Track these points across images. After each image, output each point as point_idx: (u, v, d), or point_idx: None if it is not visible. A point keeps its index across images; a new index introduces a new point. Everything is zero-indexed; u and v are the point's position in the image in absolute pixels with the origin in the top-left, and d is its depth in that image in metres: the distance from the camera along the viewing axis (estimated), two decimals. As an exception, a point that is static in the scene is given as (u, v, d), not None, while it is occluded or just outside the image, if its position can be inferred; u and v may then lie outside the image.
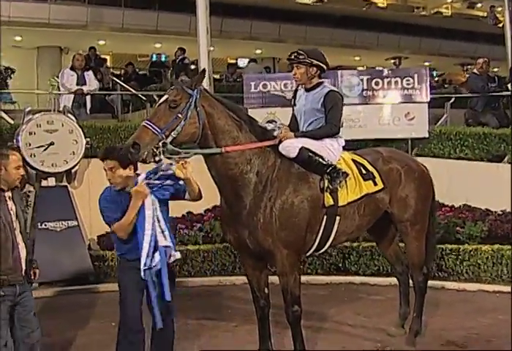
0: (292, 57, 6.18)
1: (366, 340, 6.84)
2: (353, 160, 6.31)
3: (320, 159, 5.93)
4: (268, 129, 6.22)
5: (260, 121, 11.14)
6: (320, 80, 6.25)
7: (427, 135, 11.34)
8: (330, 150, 6.07)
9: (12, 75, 19.36)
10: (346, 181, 5.99)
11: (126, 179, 5.45)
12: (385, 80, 11.54)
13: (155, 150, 5.26)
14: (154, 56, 24.18)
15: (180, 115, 5.42)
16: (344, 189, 6.00)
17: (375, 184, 6.27)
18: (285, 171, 5.85)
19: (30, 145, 9.69)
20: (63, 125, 9.94)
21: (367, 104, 11.63)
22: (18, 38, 23.80)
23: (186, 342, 6.81)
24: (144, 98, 14.70)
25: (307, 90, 6.26)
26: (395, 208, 6.53)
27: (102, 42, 24.21)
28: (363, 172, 6.23)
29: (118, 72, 22.04)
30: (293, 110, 6.51)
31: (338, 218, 6.00)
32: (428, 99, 11.51)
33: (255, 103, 11.91)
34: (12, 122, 11.34)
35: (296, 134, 6.03)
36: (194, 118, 5.48)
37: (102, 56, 21.69)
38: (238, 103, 12.69)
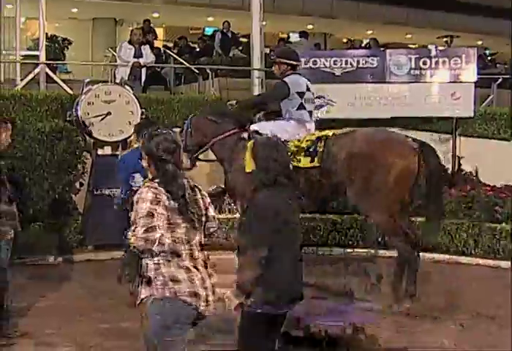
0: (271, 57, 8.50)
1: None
2: (318, 137, 7.54)
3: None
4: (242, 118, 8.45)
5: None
6: (289, 73, 7.90)
7: (472, 114, 11.48)
8: (285, 130, 7.58)
9: (68, 46, 19.80)
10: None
11: None
12: (433, 60, 11.69)
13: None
14: (208, 30, 24.38)
15: (182, 138, 7.87)
16: None
17: (311, 161, 7.37)
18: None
19: (88, 114, 10.07)
20: (120, 96, 10.28)
21: (414, 82, 11.84)
22: (75, 10, 24.16)
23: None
24: (197, 71, 15.05)
25: None
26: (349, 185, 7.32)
27: (155, 15, 24.45)
28: (311, 149, 7.29)
29: (171, 45, 22.36)
30: None
31: None
32: (475, 79, 11.64)
33: (305, 79, 12.15)
34: (71, 92, 11.77)
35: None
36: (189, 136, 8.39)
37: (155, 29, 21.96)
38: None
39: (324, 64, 12.03)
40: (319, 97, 11.87)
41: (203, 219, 4.21)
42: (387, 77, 11.88)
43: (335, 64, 11.99)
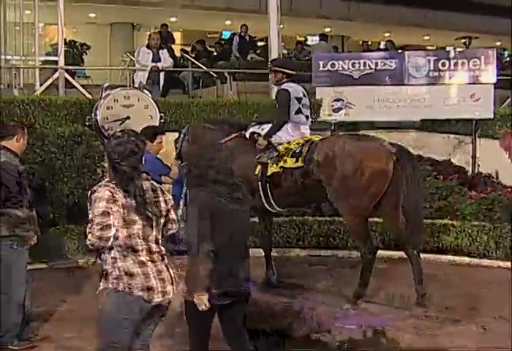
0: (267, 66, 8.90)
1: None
2: (306, 141, 7.86)
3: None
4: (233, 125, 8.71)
5: (327, 99, 11.67)
6: (285, 81, 8.17)
7: (492, 116, 11.42)
8: (281, 132, 8.03)
9: (87, 51, 19.90)
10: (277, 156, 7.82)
11: None
12: (452, 61, 11.66)
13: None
14: (226, 33, 24.40)
15: (177, 146, 8.76)
16: (272, 163, 7.83)
17: (296, 162, 7.67)
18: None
19: (107, 119, 10.09)
20: (139, 100, 10.30)
21: (433, 84, 11.80)
22: (92, 15, 24.26)
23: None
24: (215, 75, 15.07)
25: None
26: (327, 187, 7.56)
27: (173, 19, 24.52)
28: (297, 151, 7.74)
29: (189, 49, 22.39)
30: None
31: (267, 184, 7.87)
32: (495, 81, 11.58)
33: (323, 82, 12.16)
34: (90, 97, 11.81)
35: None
36: (185, 143, 8.60)
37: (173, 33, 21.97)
38: (307, 82, 13.13)
39: (342, 67, 12.03)
40: (337, 100, 11.90)
41: (162, 219, 4.45)
42: (405, 80, 11.86)
43: (353, 67, 11.99)
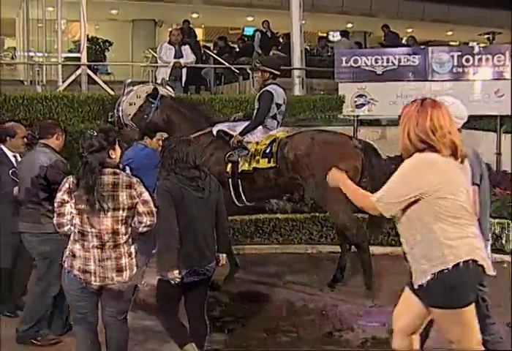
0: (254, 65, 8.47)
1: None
2: (272, 139, 7.92)
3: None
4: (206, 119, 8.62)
5: (350, 95, 11.60)
6: (270, 82, 8.17)
7: (516, 112, 11.33)
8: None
9: (109, 48, 19.95)
10: (247, 155, 7.88)
11: None
12: (476, 57, 11.57)
13: None
14: (248, 30, 24.35)
15: (145, 116, 8.42)
16: (243, 162, 7.87)
17: (269, 162, 7.78)
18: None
19: (130, 115, 10.11)
20: (161, 97, 10.31)
21: (457, 80, 11.71)
22: (114, 11, 24.35)
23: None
24: (237, 71, 15.06)
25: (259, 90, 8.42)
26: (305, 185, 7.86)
27: (195, 15, 24.55)
28: (267, 151, 7.83)
29: (211, 45, 22.40)
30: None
31: (239, 181, 7.93)
32: (520, 76, 11.48)
33: (346, 77, 12.12)
34: (112, 93, 11.83)
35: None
36: (156, 115, 8.36)
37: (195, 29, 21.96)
38: (330, 78, 13.10)
39: (365, 63, 11.98)
40: (360, 96, 11.85)
41: (123, 212, 4.79)
42: (429, 75, 11.80)
43: (376, 63, 11.93)
